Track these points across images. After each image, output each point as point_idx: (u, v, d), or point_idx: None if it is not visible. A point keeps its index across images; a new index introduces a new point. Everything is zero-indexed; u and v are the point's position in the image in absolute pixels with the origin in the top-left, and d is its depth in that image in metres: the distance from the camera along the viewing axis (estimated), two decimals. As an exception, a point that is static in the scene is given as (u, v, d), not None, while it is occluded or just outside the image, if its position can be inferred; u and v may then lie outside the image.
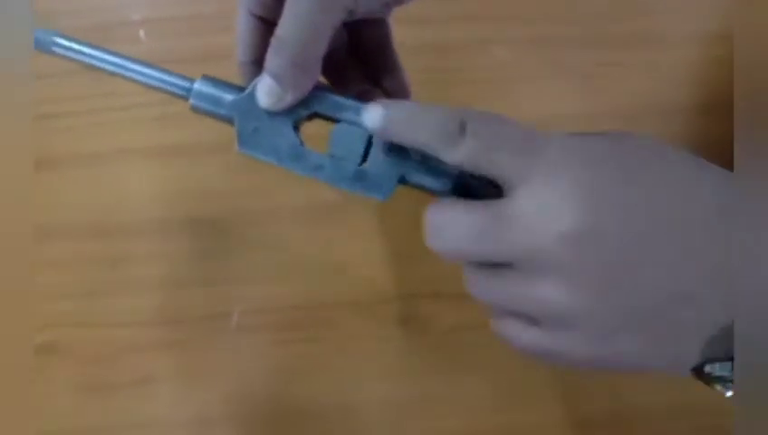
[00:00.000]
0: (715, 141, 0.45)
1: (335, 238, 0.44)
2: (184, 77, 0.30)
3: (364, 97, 0.29)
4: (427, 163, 0.29)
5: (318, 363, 0.43)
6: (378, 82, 0.32)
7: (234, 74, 0.46)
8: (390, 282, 0.44)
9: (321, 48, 0.27)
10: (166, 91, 0.31)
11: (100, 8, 0.47)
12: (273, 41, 0.27)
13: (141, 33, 0.46)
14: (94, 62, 0.32)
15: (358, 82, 0.31)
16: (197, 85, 0.30)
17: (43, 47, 0.32)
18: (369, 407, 0.43)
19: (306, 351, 0.43)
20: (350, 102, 0.29)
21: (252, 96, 0.29)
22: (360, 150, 0.29)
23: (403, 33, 0.44)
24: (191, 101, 0.30)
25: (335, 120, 0.29)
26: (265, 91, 0.28)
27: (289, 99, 0.28)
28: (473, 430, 0.43)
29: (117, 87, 0.46)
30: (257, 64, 0.29)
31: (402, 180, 0.29)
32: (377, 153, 0.29)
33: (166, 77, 0.31)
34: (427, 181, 0.29)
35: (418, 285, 0.44)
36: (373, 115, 0.27)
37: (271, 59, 0.27)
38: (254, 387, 0.43)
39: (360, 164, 0.29)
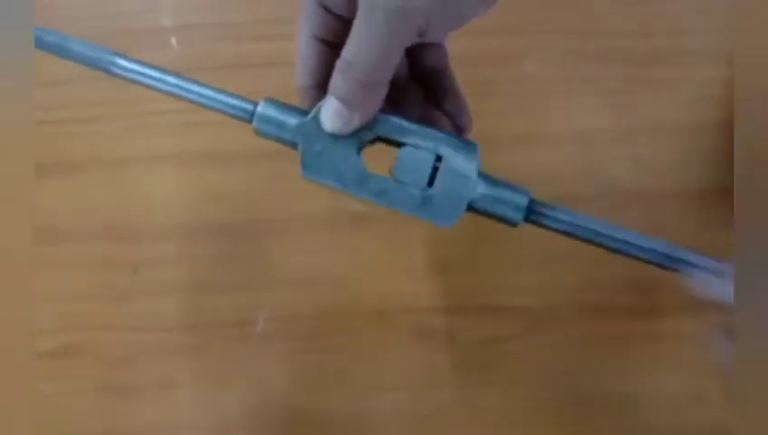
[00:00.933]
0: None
1: (359, 247, 0.44)
2: (246, 100, 0.30)
3: (426, 120, 0.28)
4: (497, 190, 0.28)
5: (337, 373, 0.43)
6: (437, 105, 0.31)
7: (267, 81, 0.46)
8: (412, 294, 0.44)
9: (390, 70, 0.26)
10: (228, 114, 0.31)
11: (130, 13, 0.47)
12: (341, 63, 0.26)
13: (173, 39, 0.46)
14: (156, 83, 0.32)
15: (417, 106, 0.31)
16: (261, 108, 0.30)
17: (101, 66, 0.32)
18: (387, 418, 0.43)
19: (325, 360, 0.43)
20: (414, 126, 0.28)
21: (316, 120, 0.28)
22: (427, 175, 0.28)
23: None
24: (255, 124, 0.30)
25: (399, 144, 0.29)
26: (332, 114, 0.27)
27: (356, 122, 0.27)
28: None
29: (137, 93, 0.46)
30: (318, 88, 0.29)
31: (470, 207, 0.28)
32: (443, 178, 0.28)
33: (228, 100, 0.31)
34: (499, 209, 0.28)
35: (440, 297, 0.44)
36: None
37: (338, 82, 0.26)
38: (274, 394, 0.43)
39: (426, 189, 0.28)
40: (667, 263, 0.30)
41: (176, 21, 0.46)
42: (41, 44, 0.33)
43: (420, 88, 0.30)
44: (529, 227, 0.30)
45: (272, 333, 0.44)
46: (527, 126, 0.46)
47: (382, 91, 0.27)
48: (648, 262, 0.30)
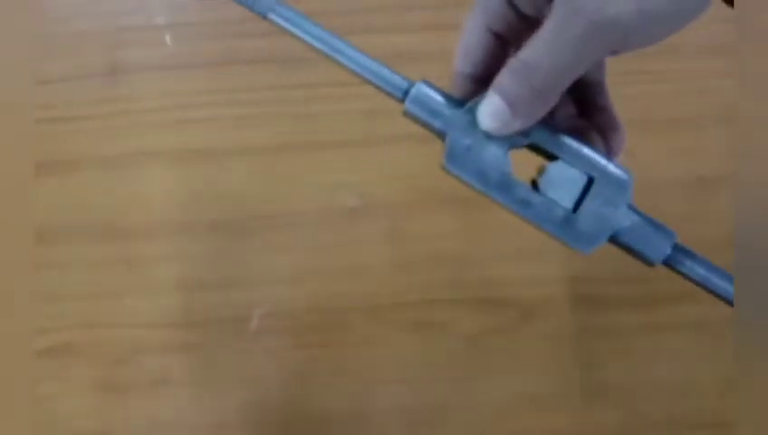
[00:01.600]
0: (726, 151, 0.45)
1: (353, 242, 0.44)
2: (403, 77, 0.28)
3: (578, 133, 0.27)
4: (645, 227, 0.28)
5: (333, 368, 0.43)
6: (589, 118, 0.29)
7: (262, 77, 0.47)
8: (407, 287, 0.44)
9: (568, 84, 0.25)
10: (379, 88, 0.29)
11: (125, 11, 0.47)
12: (517, 64, 0.25)
13: (167, 37, 0.46)
14: (311, 39, 0.29)
15: (569, 119, 0.29)
16: (416, 90, 0.28)
17: (259, 9, 0.29)
18: (384, 412, 0.43)
19: (322, 355, 0.44)
20: (571, 142, 0.27)
21: (471, 112, 0.27)
22: (575, 195, 0.27)
23: (420, 39, 0.45)
24: (406, 105, 0.28)
25: (551, 157, 0.27)
26: (492, 113, 0.25)
27: (517, 126, 0.25)
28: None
29: (132, 91, 0.46)
30: (475, 80, 0.28)
31: (613, 238, 0.27)
32: (592, 202, 0.27)
33: (384, 72, 0.29)
34: (641, 247, 0.27)
35: (435, 290, 0.44)
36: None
37: (509, 83, 0.25)
38: (270, 391, 0.43)
39: (572, 210, 0.27)
40: None
41: (169, 19, 0.47)
42: None
43: (573, 101, 0.29)
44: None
45: (267, 329, 0.44)
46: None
47: (553, 102, 0.25)
48: None
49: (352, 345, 0.44)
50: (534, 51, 0.24)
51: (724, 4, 0.34)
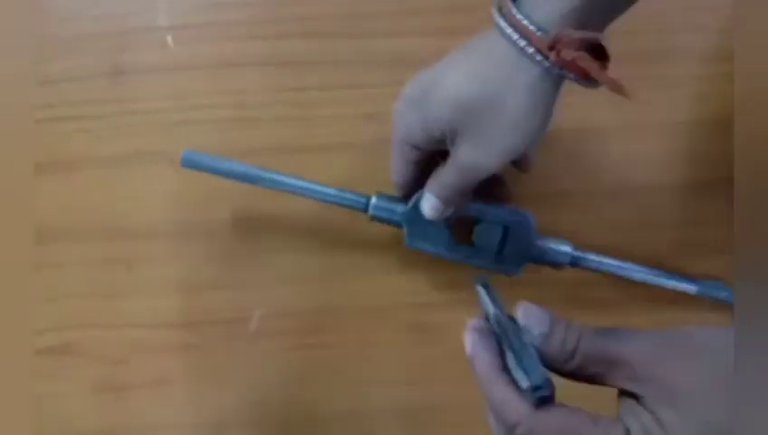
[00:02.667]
0: (724, 156, 0.45)
1: (352, 244, 0.45)
2: (360, 194, 0.40)
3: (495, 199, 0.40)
4: (549, 245, 0.40)
5: (332, 368, 0.43)
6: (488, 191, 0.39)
7: (261, 79, 0.47)
8: (405, 289, 0.44)
9: (472, 189, 0.36)
10: (348, 207, 0.40)
11: (127, 13, 0.47)
12: (437, 178, 0.37)
13: (169, 38, 0.46)
14: (290, 188, 0.41)
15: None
16: (374, 201, 0.40)
17: (249, 180, 0.41)
18: (382, 413, 0.43)
19: (321, 356, 0.44)
20: (488, 208, 0.39)
21: (415, 207, 0.39)
22: (497, 243, 0.39)
23: (421, 44, 0.45)
24: (370, 212, 0.40)
25: (476, 221, 0.39)
26: (430, 207, 0.37)
27: (447, 214, 0.37)
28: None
29: (132, 92, 0.46)
30: (407, 185, 0.39)
31: (531, 260, 0.40)
32: (510, 243, 0.39)
33: (349, 196, 0.40)
34: (553, 258, 0.40)
35: (433, 292, 0.44)
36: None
37: (437, 188, 0.36)
38: (269, 391, 0.43)
39: (499, 252, 0.39)
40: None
41: (171, 21, 0.47)
42: (188, 164, 0.41)
43: None
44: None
45: (267, 330, 0.44)
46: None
47: (468, 195, 0.36)
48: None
49: (351, 346, 0.44)
50: (446, 176, 0.35)
51: (724, 13, 0.35)
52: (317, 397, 0.43)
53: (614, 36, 0.47)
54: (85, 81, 0.47)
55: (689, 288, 0.41)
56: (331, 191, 0.40)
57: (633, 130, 0.46)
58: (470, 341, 0.29)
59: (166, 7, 0.47)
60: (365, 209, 0.40)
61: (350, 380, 0.43)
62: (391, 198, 0.40)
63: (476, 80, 0.32)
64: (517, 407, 0.26)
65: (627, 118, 0.46)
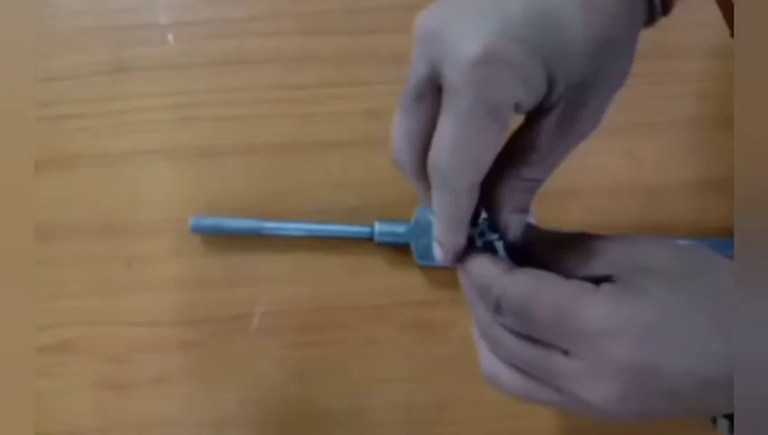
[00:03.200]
0: (726, 153, 0.45)
1: (354, 243, 0.44)
2: (363, 226, 0.43)
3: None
4: None
5: (333, 366, 0.44)
6: None
7: (262, 76, 0.46)
8: (407, 287, 0.44)
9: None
10: (354, 238, 0.43)
11: (127, 10, 0.47)
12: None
13: (170, 36, 0.46)
14: (296, 233, 0.43)
15: None
16: (377, 228, 0.43)
17: (254, 232, 0.44)
18: (383, 410, 0.43)
19: (322, 354, 0.44)
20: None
21: (417, 222, 0.42)
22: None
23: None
24: (376, 238, 0.42)
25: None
26: (438, 255, 0.28)
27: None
28: (486, 437, 0.43)
29: (132, 90, 0.47)
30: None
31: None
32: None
33: (354, 230, 0.43)
34: None
35: (435, 290, 0.44)
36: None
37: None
38: (270, 389, 0.43)
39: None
40: None
41: (172, 18, 0.47)
42: (200, 229, 0.44)
43: None
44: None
45: (268, 328, 0.44)
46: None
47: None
48: None
49: (352, 344, 0.44)
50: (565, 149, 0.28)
51: (723, 9, 0.35)
52: (318, 394, 0.43)
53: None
54: (86, 78, 0.47)
55: None
56: (334, 229, 0.43)
57: (635, 128, 0.46)
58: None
59: (167, 5, 0.47)
60: (371, 237, 0.42)
61: (350, 377, 0.43)
62: (393, 222, 0.43)
63: (603, 13, 0.25)
64: (491, 269, 0.26)
65: (628, 116, 0.46)
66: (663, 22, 0.47)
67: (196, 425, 0.43)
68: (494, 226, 0.29)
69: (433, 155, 0.26)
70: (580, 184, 0.45)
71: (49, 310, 0.44)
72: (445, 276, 0.44)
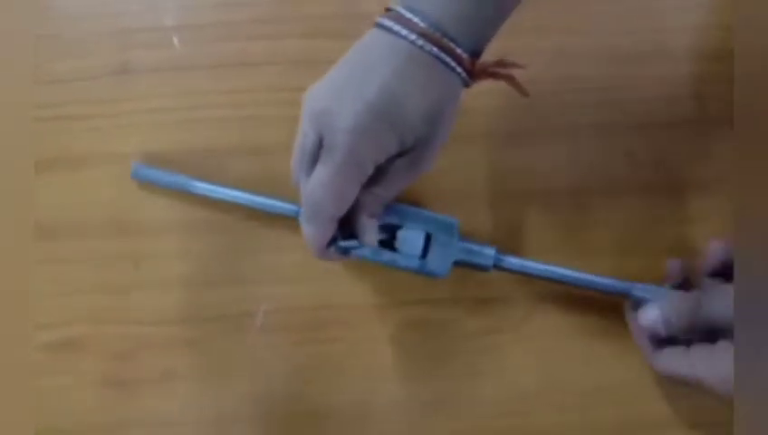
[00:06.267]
0: (723, 155, 0.46)
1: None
2: (292, 202, 0.43)
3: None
4: (472, 249, 0.41)
5: (336, 364, 0.44)
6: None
7: (264, 78, 0.47)
8: (407, 287, 0.45)
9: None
10: (279, 214, 0.43)
11: (132, 13, 0.48)
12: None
13: (175, 39, 0.47)
14: (228, 198, 0.44)
15: (401, 172, 0.38)
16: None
17: (185, 188, 0.45)
18: (385, 407, 0.43)
19: (325, 351, 0.44)
20: (409, 211, 0.40)
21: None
22: (420, 247, 0.40)
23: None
24: (300, 219, 0.40)
25: (398, 227, 0.40)
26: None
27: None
28: (485, 431, 0.43)
29: (141, 91, 0.47)
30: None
31: (456, 263, 0.40)
32: (434, 248, 0.40)
33: (278, 204, 0.43)
34: (475, 261, 0.41)
35: (435, 289, 0.44)
36: (650, 315, 0.38)
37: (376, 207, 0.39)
38: (273, 386, 0.44)
39: (423, 256, 0.40)
40: (606, 290, 0.41)
41: (177, 21, 0.47)
42: (137, 176, 0.45)
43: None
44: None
45: (272, 325, 0.44)
46: (521, 123, 0.47)
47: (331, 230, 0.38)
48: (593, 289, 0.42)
49: (355, 341, 0.44)
50: (402, 182, 0.38)
51: (720, 10, 0.35)
52: (320, 391, 0.43)
53: (614, 36, 0.48)
54: (92, 80, 0.47)
55: (621, 286, 0.41)
56: (261, 200, 0.43)
57: (632, 130, 0.47)
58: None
59: (172, 8, 0.47)
60: (296, 216, 0.42)
61: (353, 374, 0.44)
62: None
63: (434, 90, 0.35)
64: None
65: (624, 118, 0.47)
66: (660, 25, 0.48)
67: (200, 421, 0.43)
68: (352, 230, 0.38)
69: (308, 194, 0.36)
70: (578, 184, 0.46)
71: (56, 308, 0.44)
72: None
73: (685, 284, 0.41)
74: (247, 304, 0.45)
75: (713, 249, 0.40)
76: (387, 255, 0.40)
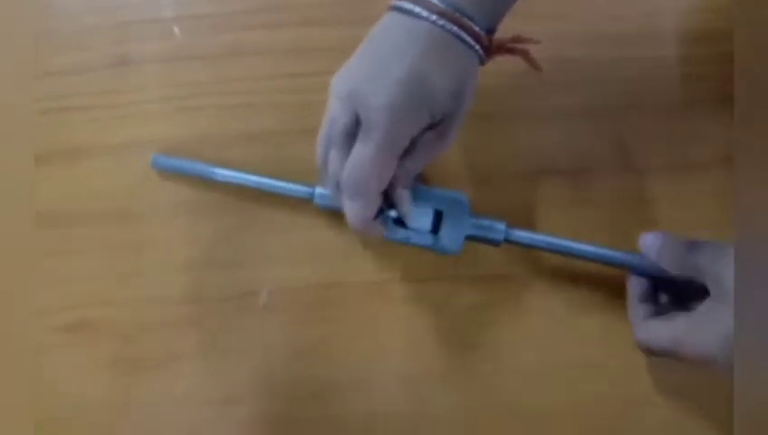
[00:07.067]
0: (713, 137, 0.46)
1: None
2: (306, 184, 0.44)
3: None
4: (483, 224, 0.41)
5: (338, 342, 0.44)
6: None
7: (263, 67, 0.47)
8: (406, 264, 0.45)
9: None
10: (292, 197, 0.44)
11: (132, 5, 0.48)
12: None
13: (176, 29, 0.47)
14: (242, 182, 0.44)
15: (429, 144, 0.39)
16: (318, 190, 0.43)
17: (207, 176, 0.45)
18: (386, 383, 0.44)
19: (328, 329, 0.45)
20: (422, 191, 0.41)
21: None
22: (430, 224, 0.41)
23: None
24: (316, 200, 0.43)
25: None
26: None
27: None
28: (486, 405, 0.44)
29: (141, 82, 0.47)
30: None
31: (467, 238, 0.41)
32: (446, 224, 0.41)
33: (296, 187, 0.44)
34: (487, 235, 0.41)
35: (436, 266, 0.45)
36: (650, 238, 0.40)
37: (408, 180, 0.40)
38: (278, 364, 0.44)
39: (434, 231, 0.41)
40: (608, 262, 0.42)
41: (177, 11, 0.47)
42: (157, 165, 0.46)
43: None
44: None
45: (275, 305, 0.45)
46: (515, 106, 0.48)
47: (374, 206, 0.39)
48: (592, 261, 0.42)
49: (357, 319, 0.45)
50: (428, 157, 0.39)
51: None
52: (323, 368, 0.44)
53: (604, 21, 0.48)
54: (91, 71, 0.48)
55: (627, 259, 0.41)
56: (275, 183, 0.44)
57: (621, 112, 0.47)
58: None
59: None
60: (311, 198, 0.43)
61: (354, 351, 0.44)
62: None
63: (456, 67, 0.37)
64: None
65: (615, 100, 0.47)
66: (648, 8, 0.48)
67: (206, 401, 0.44)
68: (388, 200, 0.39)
69: (352, 172, 0.36)
70: (570, 166, 0.47)
71: (62, 293, 0.45)
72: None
73: None
74: (251, 284, 0.45)
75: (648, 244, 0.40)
76: (401, 232, 0.41)
